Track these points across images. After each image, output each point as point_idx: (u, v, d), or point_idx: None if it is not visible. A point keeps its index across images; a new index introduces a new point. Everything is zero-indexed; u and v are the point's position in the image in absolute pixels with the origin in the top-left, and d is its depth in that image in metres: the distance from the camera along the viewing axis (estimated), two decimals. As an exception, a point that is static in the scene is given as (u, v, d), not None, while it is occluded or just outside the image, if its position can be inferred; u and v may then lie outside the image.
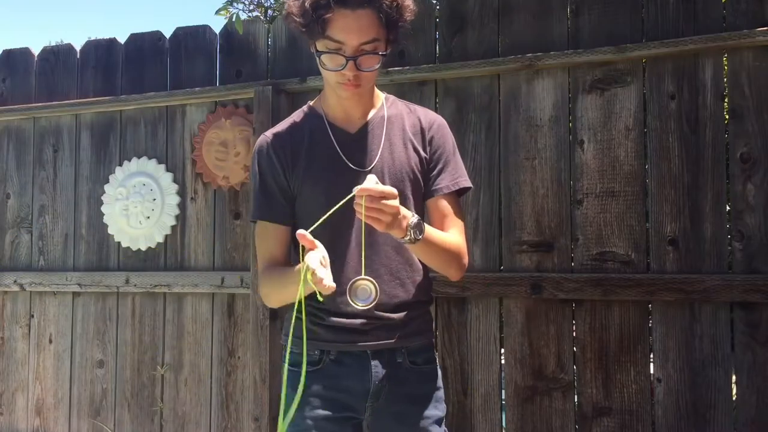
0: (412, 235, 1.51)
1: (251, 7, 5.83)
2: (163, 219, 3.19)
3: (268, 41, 3.11)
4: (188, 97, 3.16)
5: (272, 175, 1.71)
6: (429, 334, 1.80)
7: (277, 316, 2.88)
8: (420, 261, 1.74)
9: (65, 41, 3.95)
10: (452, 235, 1.70)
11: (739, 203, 2.39)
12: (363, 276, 1.48)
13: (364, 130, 1.72)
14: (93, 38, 3.62)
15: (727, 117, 2.46)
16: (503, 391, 2.68)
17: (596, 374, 2.53)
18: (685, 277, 2.40)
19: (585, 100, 2.60)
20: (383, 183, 1.65)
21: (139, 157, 3.26)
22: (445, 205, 1.73)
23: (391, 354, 1.70)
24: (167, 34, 3.28)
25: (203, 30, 3.22)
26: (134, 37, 3.34)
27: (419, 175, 1.72)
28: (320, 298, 1.43)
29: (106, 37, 3.47)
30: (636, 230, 2.51)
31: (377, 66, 1.61)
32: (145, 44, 3.31)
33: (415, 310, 1.73)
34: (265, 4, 5.89)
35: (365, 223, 1.47)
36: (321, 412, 1.67)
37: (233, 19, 3.01)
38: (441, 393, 1.78)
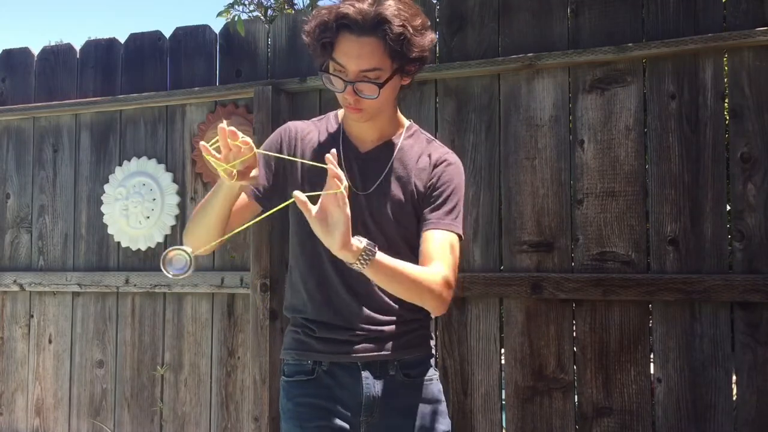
0: (363, 257, 1.41)
1: (251, 8, 5.83)
2: (163, 219, 3.19)
3: (268, 41, 3.11)
4: (188, 97, 3.16)
5: (274, 152, 1.69)
6: (425, 348, 1.76)
7: (277, 316, 2.88)
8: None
9: (65, 41, 3.94)
10: (427, 266, 1.57)
11: (740, 203, 2.39)
12: (177, 246, 1.47)
13: (373, 153, 1.71)
14: (93, 38, 3.62)
15: (727, 117, 2.46)
16: (503, 391, 2.68)
17: (596, 374, 2.52)
18: (686, 277, 2.40)
19: (585, 99, 2.59)
20: (381, 211, 1.66)
21: (138, 157, 3.26)
22: (433, 237, 1.62)
23: (383, 366, 1.68)
24: (167, 34, 3.28)
25: (203, 30, 3.22)
26: (134, 37, 3.34)
27: (416, 210, 1.68)
28: (222, 171, 1.43)
29: (106, 37, 3.47)
30: (636, 230, 2.51)
31: (376, 96, 1.58)
32: (144, 44, 3.31)
33: (409, 324, 1.71)
34: (266, 5, 5.89)
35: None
36: (315, 422, 1.66)
37: (235, 19, 3.00)
38: (443, 407, 1.75)
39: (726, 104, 2.46)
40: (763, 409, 2.34)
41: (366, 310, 1.66)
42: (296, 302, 1.74)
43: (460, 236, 1.68)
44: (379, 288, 1.63)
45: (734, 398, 2.40)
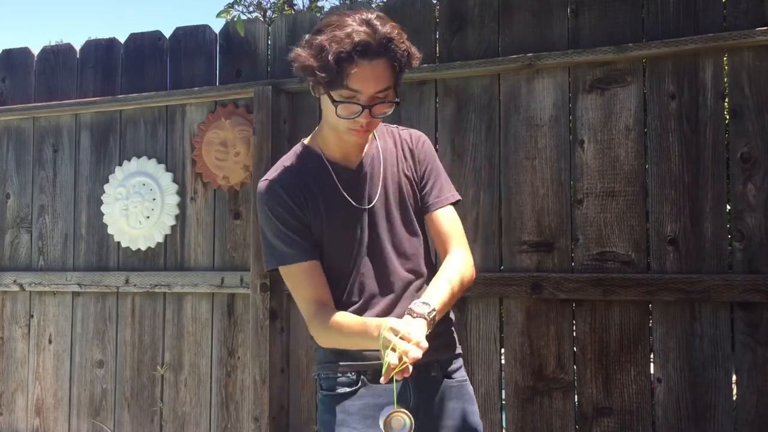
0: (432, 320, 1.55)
1: (251, 9, 5.84)
2: (163, 219, 3.19)
3: (267, 41, 3.11)
4: (188, 97, 3.16)
5: (292, 215, 1.68)
6: (455, 347, 1.81)
7: (277, 316, 2.88)
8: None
9: (65, 41, 3.94)
10: (453, 264, 1.69)
11: (739, 203, 2.39)
12: (397, 408, 1.50)
13: (362, 166, 1.73)
14: (93, 38, 3.62)
15: (727, 117, 2.46)
16: (503, 391, 2.68)
17: (596, 374, 2.52)
18: (686, 277, 2.40)
19: (585, 99, 2.60)
20: (387, 214, 1.71)
21: (138, 157, 3.26)
22: (441, 219, 1.75)
23: (425, 369, 1.69)
24: (167, 34, 3.28)
25: (203, 30, 3.22)
26: (134, 37, 3.34)
27: (416, 199, 1.76)
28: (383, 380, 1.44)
29: (106, 37, 3.47)
30: (636, 230, 2.51)
31: (389, 112, 1.63)
32: (144, 44, 3.31)
33: (441, 324, 1.71)
34: (265, 6, 5.90)
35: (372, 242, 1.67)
36: (364, 424, 1.66)
37: (235, 19, 3.00)
38: (476, 407, 1.81)
39: (726, 104, 2.46)
40: (763, 409, 2.34)
41: None
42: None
43: (459, 199, 1.81)
44: (410, 293, 1.71)
45: (734, 398, 2.40)
